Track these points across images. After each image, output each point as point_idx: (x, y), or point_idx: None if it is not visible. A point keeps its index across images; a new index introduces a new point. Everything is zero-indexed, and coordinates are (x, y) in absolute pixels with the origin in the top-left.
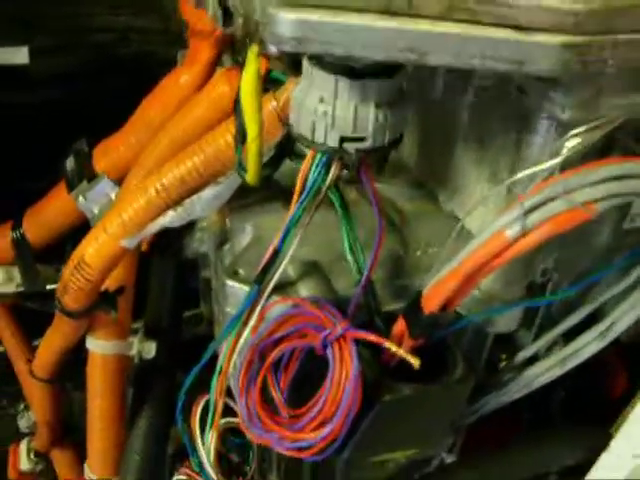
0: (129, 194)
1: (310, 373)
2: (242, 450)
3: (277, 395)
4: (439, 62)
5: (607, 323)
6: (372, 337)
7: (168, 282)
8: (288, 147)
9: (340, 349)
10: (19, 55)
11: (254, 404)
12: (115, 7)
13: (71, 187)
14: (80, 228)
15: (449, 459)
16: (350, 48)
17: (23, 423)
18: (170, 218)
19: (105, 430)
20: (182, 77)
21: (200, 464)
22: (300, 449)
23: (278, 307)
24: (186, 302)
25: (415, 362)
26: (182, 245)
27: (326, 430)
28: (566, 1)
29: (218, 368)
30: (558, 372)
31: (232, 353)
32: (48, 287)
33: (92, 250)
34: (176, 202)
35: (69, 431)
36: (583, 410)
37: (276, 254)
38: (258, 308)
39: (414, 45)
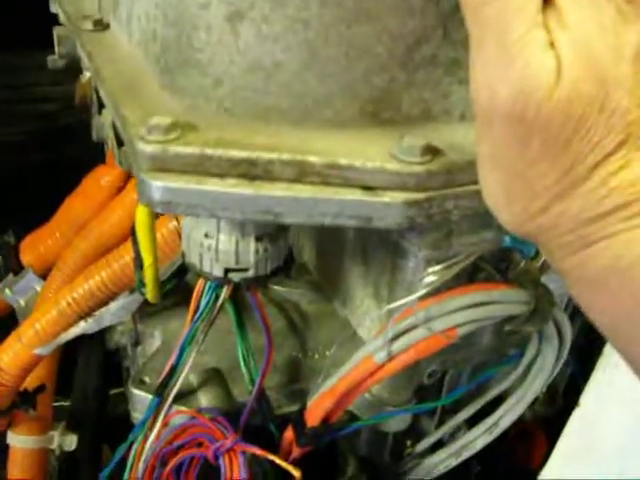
0: (43, 304)
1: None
2: None
3: None
4: (294, 221)
5: (495, 418)
6: (258, 451)
7: (94, 367)
8: None
9: (230, 460)
10: None
11: None
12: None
13: None
14: (6, 319)
15: None
16: (213, 210)
17: None
18: (81, 329)
19: None
20: (103, 178)
21: None
22: None
23: (177, 418)
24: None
25: (296, 474)
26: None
27: None
28: (406, 164)
29: (127, 473)
30: (454, 462)
31: (139, 459)
32: None
33: (7, 358)
34: (87, 313)
35: None
36: None
37: (174, 369)
38: (160, 417)
39: (269, 208)
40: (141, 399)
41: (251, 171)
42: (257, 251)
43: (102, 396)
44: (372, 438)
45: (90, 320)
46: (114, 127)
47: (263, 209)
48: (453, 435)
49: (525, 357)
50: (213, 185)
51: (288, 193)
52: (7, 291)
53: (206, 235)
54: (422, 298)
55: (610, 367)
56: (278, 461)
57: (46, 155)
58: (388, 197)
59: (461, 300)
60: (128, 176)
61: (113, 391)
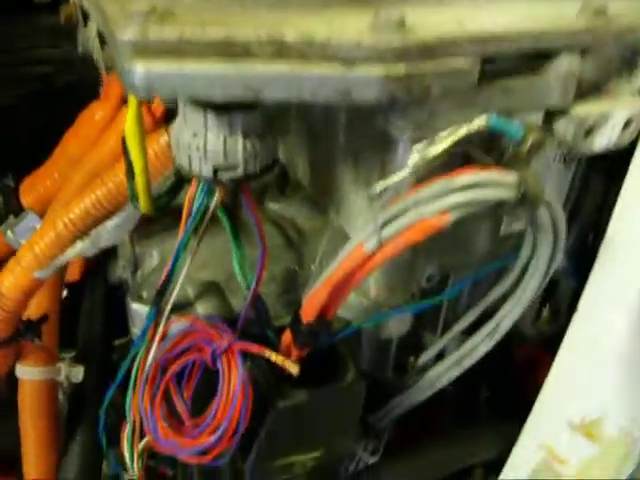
0: (41, 228)
1: (211, 385)
2: (173, 462)
3: (180, 405)
4: (274, 98)
5: (493, 324)
6: (254, 348)
7: (98, 308)
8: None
9: (227, 360)
10: None
11: (156, 416)
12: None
13: None
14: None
15: (371, 460)
16: (195, 91)
17: None
18: (79, 249)
19: (39, 457)
20: (97, 113)
21: None
22: (199, 455)
23: (175, 325)
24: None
25: (294, 369)
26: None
27: (218, 434)
28: (384, 37)
29: (130, 388)
30: (456, 372)
31: (142, 372)
32: None
33: (7, 282)
34: (84, 233)
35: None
36: (509, 408)
37: (170, 277)
38: (160, 327)
39: (249, 85)
40: (140, 313)
41: (230, 50)
42: (245, 148)
43: (108, 330)
44: (374, 353)
45: (87, 240)
46: (99, 34)
47: (244, 86)
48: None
49: (520, 257)
50: (193, 65)
51: (268, 69)
52: (9, 233)
53: (194, 135)
54: (412, 184)
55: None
56: (275, 357)
57: (43, 117)
58: (366, 70)
59: (450, 183)
60: (120, 109)
61: (118, 341)
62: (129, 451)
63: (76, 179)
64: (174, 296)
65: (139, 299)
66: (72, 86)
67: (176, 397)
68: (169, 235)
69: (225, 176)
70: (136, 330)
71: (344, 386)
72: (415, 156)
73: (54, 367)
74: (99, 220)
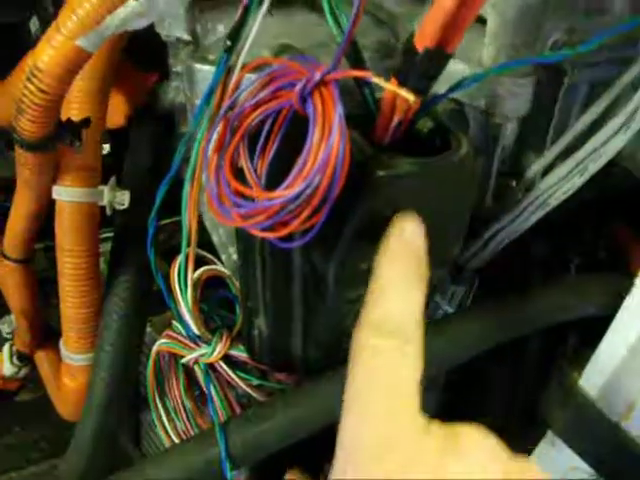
0: None
1: (291, 153)
2: (225, 305)
3: (252, 177)
4: None
5: (630, 107)
6: (355, 72)
7: (145, 139)
8: None
9: (321, 96)
10: None
11: (226, 179)
12: None
13: None
14: None
15: (450, 309)
16: None
17: (5, 328)
18: (131, 8)
19: (77, 293)
20: None
21: (180, 317)
22: (276, 226)
23: (248, 77)
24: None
25: (409, 97)
26: (157, 98)
27: (308, 189)
28: None
29: (189, 172)
30: (578, 181)
31: (205, 146)
32: None
33: (46, 55)
34: None
35: (51, 335)
36: None
37: (247, 12)
38: (233, 75)
39: None
40: (204, 75)
41: None
42: None
43: (157, 164)
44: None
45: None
46: None
47: None
48: None
49: None
50: None
51: None
52: None
53: None
54: None
55: None
56: (383, 82)
57: None
58: None
59: None
60: None
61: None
62: (182, 277)
63: None
64: (244, 53)
65: (204, 60)
66: None
67: (245, 160)
68: (234, 9)
69: None
70: (199, 101)
71: (456, 160)
72: None
73: (96, 189)
74: None
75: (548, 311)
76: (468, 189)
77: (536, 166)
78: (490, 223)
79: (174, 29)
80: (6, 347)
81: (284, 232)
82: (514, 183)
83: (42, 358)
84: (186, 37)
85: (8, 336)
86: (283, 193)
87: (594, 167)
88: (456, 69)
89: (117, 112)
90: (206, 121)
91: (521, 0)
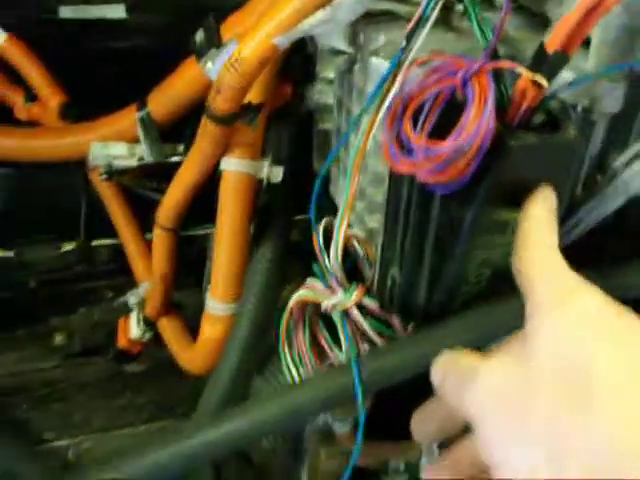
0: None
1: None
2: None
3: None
4: None
5: None
6: (507, 63)
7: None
8: None
9: (478, 81)
10: (117, 10)
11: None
12: None
13: (200, 56)
14: (200, 108)
15: None
16: None
17: (132, 300)
18: (320, 16)
19: (232, 251)
20: None
21: (322, 270)
22: (437, 174)
23: (416, 69)
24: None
25: (543, 81)
26: (302, 98)
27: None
28: None
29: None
30: None
31: (373, 125)
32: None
33: (248, 48)
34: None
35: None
36: None
37: (419, 21)
38: (404, 67)
39: None
40: (378, 68)
41: None
42: None
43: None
44: None
45: (328, 8)
46: None
47: None
48: None
49: None
50: None
51: None
52: (209, 64)
53: None
54: None
55: None
56: (525, 72)
57: None
58: None
59: None
60: None
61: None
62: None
63: None
64: (414, 51)
65: (376, 53)
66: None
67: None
68: (396, 22)
69: None
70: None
71: (572, 138)
72: None
73: (259, 163)
74: None
75: None
76: (577, 170)
77: (621, 159)
78: (576, 208)
79: (333, 39)
80: (134, 312)
81: (443, 178)
82: (599, 177)
83: (165, 324)
84: (342, 46)
85: (133, 307)
86: (449, 144)
87: None
88: (565, 76)
89: None
90: (377, 102)
91: (619, 21)
